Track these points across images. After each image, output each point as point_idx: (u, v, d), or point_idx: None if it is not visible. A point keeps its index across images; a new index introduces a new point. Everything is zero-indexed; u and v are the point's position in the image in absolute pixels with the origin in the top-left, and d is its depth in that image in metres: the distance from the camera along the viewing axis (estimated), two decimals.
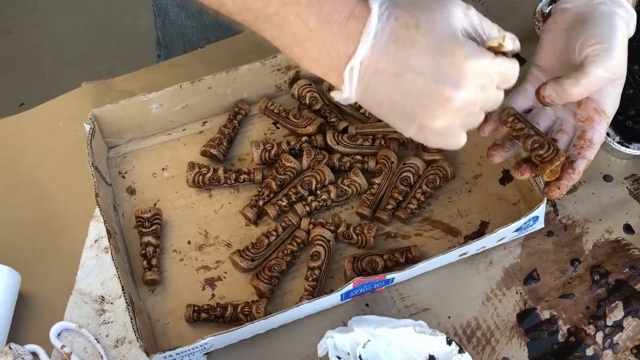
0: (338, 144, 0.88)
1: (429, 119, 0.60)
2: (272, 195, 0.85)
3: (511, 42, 0.62)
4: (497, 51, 0.62)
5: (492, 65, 0.59)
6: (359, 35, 0.58)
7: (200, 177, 0.86)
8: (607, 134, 0.88)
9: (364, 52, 0.58)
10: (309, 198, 0.85)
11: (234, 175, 0.87)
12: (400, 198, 0.85)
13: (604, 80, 0.69)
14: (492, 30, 0.62)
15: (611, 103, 0.72)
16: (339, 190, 0.85)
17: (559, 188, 0.71)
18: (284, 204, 0.84)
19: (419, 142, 0.64)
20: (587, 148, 0.71)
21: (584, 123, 0.72)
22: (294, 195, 0.85)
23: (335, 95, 0.61)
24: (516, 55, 0.65)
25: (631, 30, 0.72)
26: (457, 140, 0.63)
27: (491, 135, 0.73)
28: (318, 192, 0.85)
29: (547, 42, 0.75)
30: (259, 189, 0.86)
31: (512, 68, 0.61)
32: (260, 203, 0.85)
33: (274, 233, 0.82)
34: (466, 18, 0.60)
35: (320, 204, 0.85)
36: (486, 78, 0.59)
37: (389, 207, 0.85)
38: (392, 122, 0.62)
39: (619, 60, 0.69)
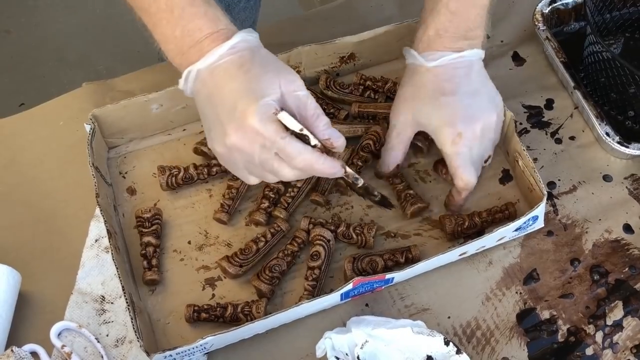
0: (328, 88, 0.92)
1: (213, 141, 0.71)
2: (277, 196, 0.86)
3: (311, 138, 0.69)
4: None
5: (273, 134, 0.66)
6: (206, 53, 0.68)
7: (173, 178, 0.86)
8: (607, 134, 0.88)
9: (202, 66, 0.69)
10: (288, 190, 0.85)
11: (206, 170, 0.87)
12: (360, 164, 0.87)
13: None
14: (316, 121, 0.70)
15: None
16: None
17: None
18: (266, 205, 0.84)
19: None
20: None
21: None
22: (271, 192, 0.85)
23: (179, 83, 0.72)
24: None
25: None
26: (242, 176, 0.73)
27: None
28: (292, 182, 0.85)
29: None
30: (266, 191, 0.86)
31: (290, 150, 0.67)
32: (265, 205, 0.85)
33: (263, 239, 0.82)
34: (293, 97, 0.69)
35: (293, 193, 0.85)
36: (265, 141, 0.67)
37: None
38: (204, 127, 0.73)
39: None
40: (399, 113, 0.83)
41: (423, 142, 0.88)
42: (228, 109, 0.67)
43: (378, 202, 0.82)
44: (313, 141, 0.69)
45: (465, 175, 0.80)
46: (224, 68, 0.68)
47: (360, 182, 0.76)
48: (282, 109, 0.68)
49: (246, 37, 0.70)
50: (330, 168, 0.70)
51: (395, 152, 0.84)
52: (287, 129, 0.68)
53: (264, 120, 0.66)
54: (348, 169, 0.74)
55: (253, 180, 0.73)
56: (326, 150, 0.71)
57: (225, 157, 0.71)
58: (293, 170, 0.69)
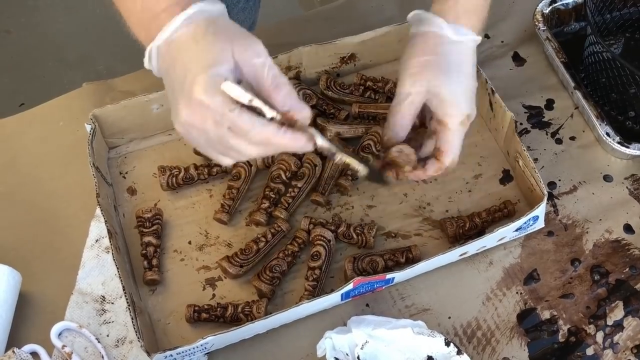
0: (328, 88, 0.93)
1: (174, 120, 0.65)
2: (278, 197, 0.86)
3: (267, 111, 0.62)
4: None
5: (220, 107, 0.61)
6: (162, 27, 0.64)
7: (173, 179, 0.86)
8: (607, 134, 0.88)
9: (159, 42, 0.64)
10: (288, 190, 0.86)
11: (206, 170, 0.87)
12: None
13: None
14: (274, 91, 0.63)
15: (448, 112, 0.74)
16: (300, 174, 0.86)
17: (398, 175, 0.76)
18: (266, 205, 0.84)
19: None
20: (438, 155, 0.75)
21: (435, 136, 0.75)
22: (271, 193, 0.85)
23: (144, 63, 0.68)
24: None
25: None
26: (213, 156, 0.67)
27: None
28: (293, 182, 0.86)
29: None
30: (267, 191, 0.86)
31: (241, 124, 0.62)
32: (266, 205, 0.85)
33: (263, 239, 0.82)
34: (249, 66, 0.63)
35: (294, 194, 0.85)
36: (216, 115, 0.61)
37: (349, 172, 0.87)
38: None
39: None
40: (414, 81, 0.74)
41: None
42: (179, 83, 0.63)
43: (369, 178, 0.75)
44: (269, 113, 0.62)
45: (457, 156, 0.75)
46: (179, 41, 0.64)
47: (338, 158, 0.68)
48: (239, 81, 0.62)
49: (205, 8, 0.64)
50: (292, 141, 0.63)
51: (405, 120, 0.75)
52: (237, 100, 0.61)
53: (210, 92, 0.61)
54: (321, 141, 0.65)
55: (226, 161, 0.67)
56: (290, 123, 0.63)
57: (186, 137, 0.66)
58: (253, 146, 0.63)
